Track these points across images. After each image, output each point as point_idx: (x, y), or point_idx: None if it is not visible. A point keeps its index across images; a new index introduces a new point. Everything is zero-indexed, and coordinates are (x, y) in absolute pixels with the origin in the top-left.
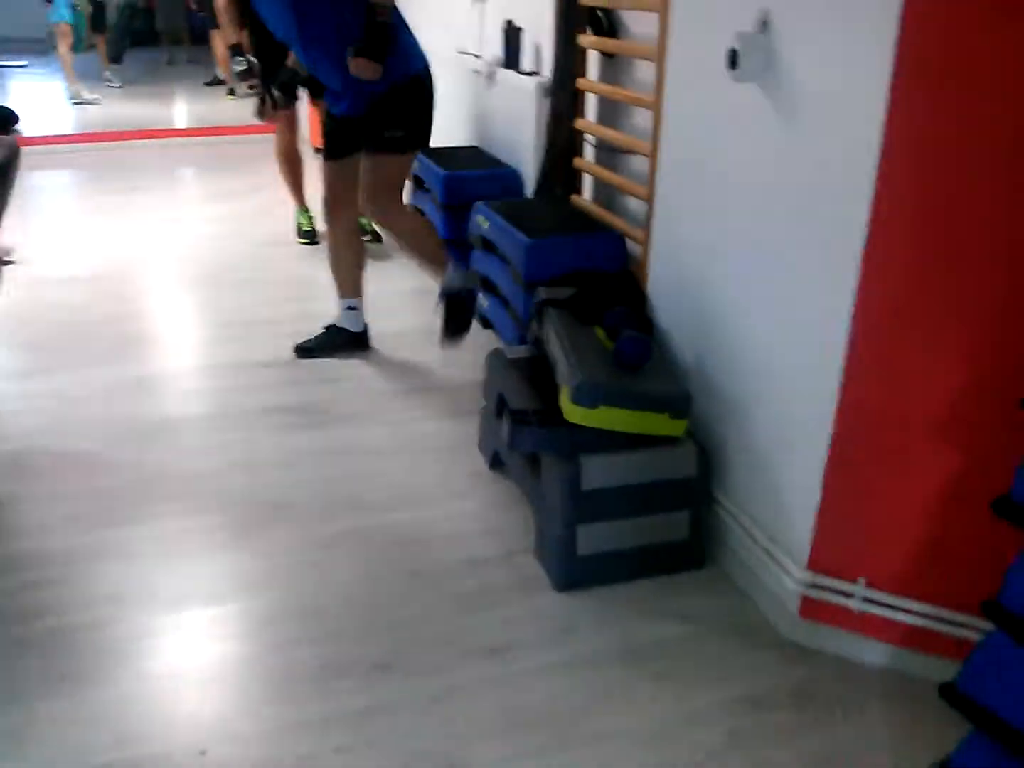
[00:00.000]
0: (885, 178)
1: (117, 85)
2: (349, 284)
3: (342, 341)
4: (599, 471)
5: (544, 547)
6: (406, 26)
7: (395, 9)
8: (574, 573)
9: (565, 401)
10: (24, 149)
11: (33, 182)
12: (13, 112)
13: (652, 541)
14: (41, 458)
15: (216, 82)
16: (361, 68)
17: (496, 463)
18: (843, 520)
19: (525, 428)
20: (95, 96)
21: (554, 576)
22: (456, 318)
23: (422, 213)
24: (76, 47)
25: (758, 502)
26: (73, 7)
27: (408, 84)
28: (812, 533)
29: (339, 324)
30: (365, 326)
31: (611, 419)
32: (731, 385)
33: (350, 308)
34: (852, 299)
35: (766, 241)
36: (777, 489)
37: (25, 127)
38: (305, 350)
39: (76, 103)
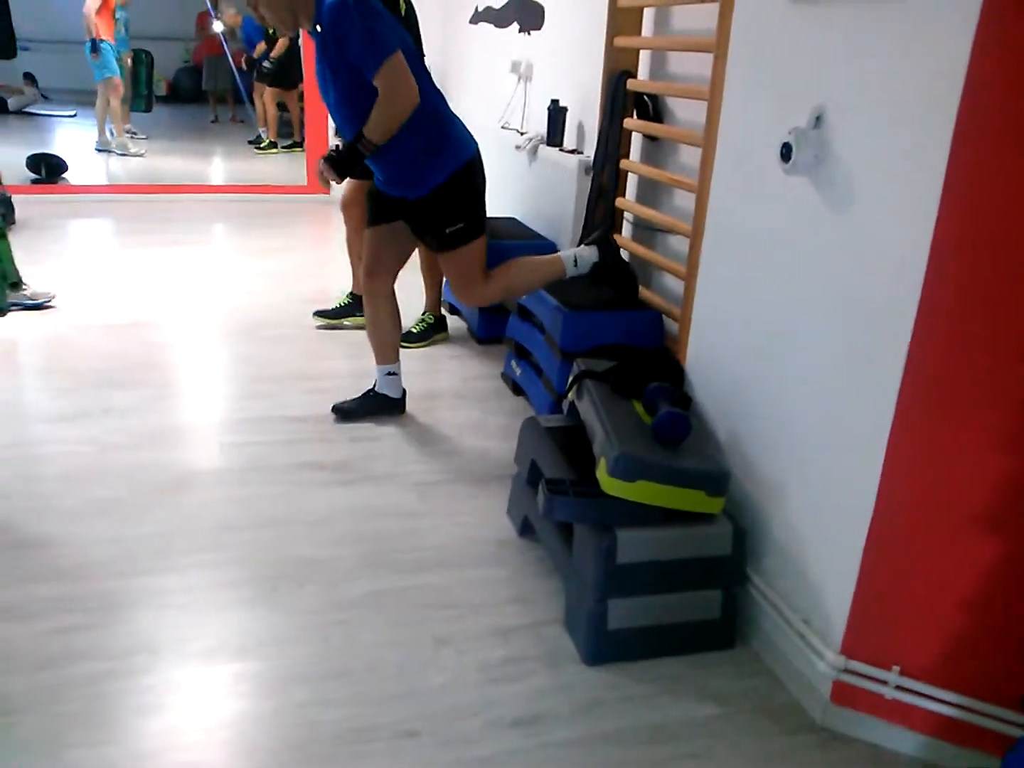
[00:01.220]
0: (934, 273)
1: (143, 137)
2: (387, 350)
3: (380, 406)
4: (634, 545)
5: (574, 619)
6: (451, 114)
7: (443, 103)
8: (604, 647)
9: (603, 473)
10: (68, 196)
11: (76, 230)
12: (63, 161)
13: (683, 619)
14: (76, 502)
15: (257, 140)
16: (323, 174)
17: (526, 530)
18: (879, 606)
19: (561, 498)
20: (141, 148)
21: (583, 649)
22: (620, 280)
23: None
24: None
25: (793, 584)
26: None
27: (464, 171)
28: (847, 617)
29: (378, 390)
30: (404, 391)
31: (648, 494)
32: (769, 465)
33: (389, 374)
34: (896, 385)
35: (809, 327)
36: (812, 571)
37: (71, 175)
38: (343, 412)
39: (122, 154)
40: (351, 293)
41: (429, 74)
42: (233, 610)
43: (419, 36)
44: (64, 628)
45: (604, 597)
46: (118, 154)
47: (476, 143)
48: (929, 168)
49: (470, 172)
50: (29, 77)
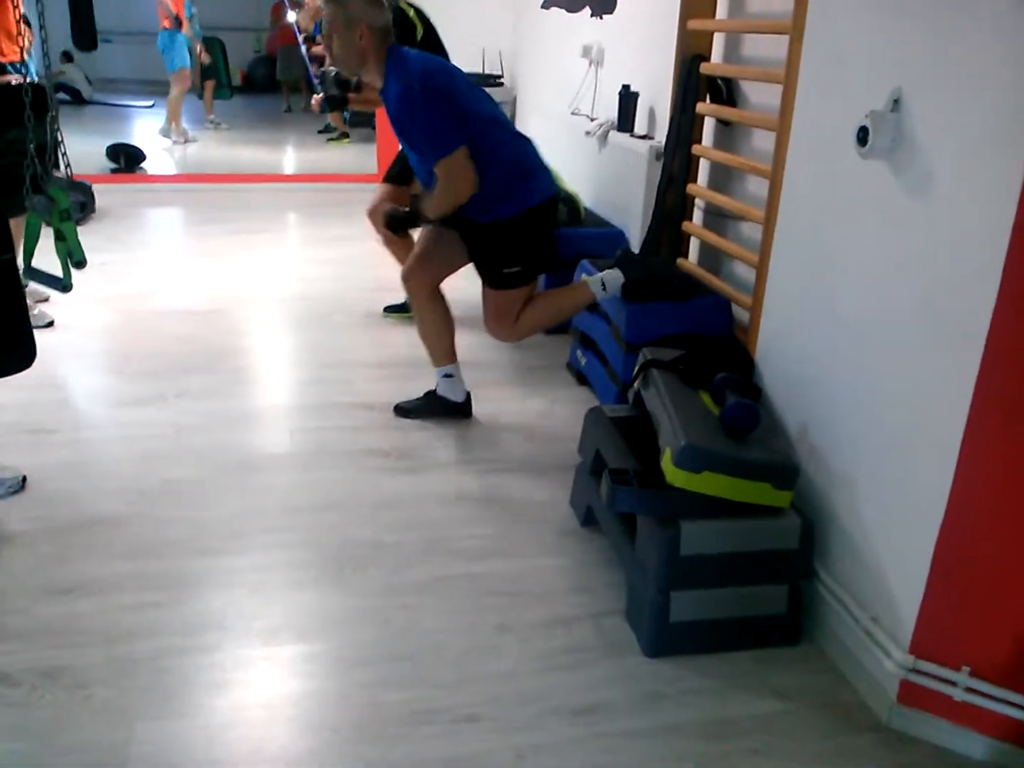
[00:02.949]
0: (1014, 262)
1: (225, 127)
2: (440, 352)
3: (441, 409)
4: (698, 537)
5: (636, 611)
6: (533, 164)
7: (525, 151)
8: (665, 639)
9: (668, 464)
10: (145, 185)
11: (153, 218)
12: (141, 151)
13: (748, 613)
14: (152, 482)
15: (328, 129)
16: (383, 225)
17: (588, 520)
18: (949, 605)
19: (625, 488)
20: (194, 138)
21: (645, 641)
22: (656, 288)
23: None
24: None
25: (861, 580)
26: (190, 51)
27: (527, 217)
28: (916, 616)
29: (439, 392)
30: (467, 395)
31: (714, 485)
32: (839, 458)
33: (446, 376)
34: (973, 380)
35: (885, 317)
36: (882, 569)
37: (148, 165)
38: (404, 411)
39: (176, 142)
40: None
41: (501, 115)
42: (299, 591)
43: (445, 54)
44: (138, 604)
45: (667, 589)
46: (174, 143)
47: (556, 188)
48: (1010, 153)
49: (542, 213)
50: (67, 55)
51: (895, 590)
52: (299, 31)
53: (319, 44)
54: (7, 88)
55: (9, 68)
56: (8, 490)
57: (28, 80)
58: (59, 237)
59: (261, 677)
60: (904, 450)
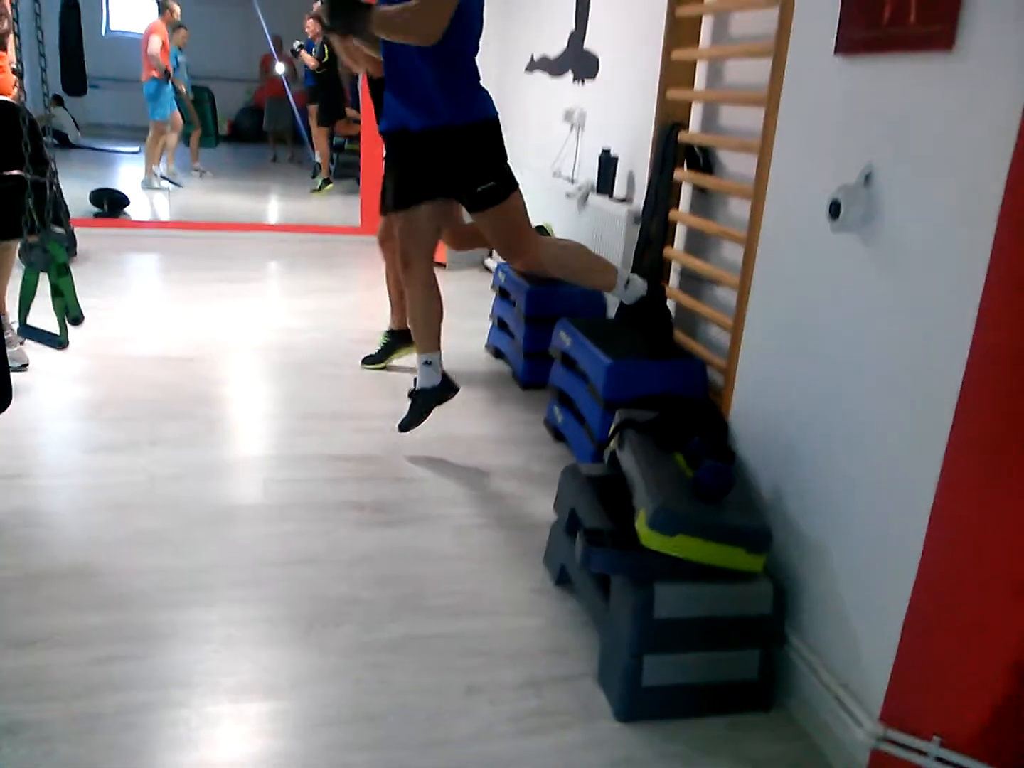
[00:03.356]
0: (982, 332)
1: (210, 174)
2: (427, 337)
3: (431, 401)
4: (672, 600)
5: (609, 673)
6: (479, 78)
7: (474, 50)
8: (638, 703)
9: (642, 525)
10: (128, 230)
11: (135, 263)
12: (125, 196)
13: (720, 678)
14: (123, 532)
15: (316, 173)
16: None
17: (562, 579)
18: (921, 672)
19: (599, 549)
20: (169, 185)
21: (617, 705)
22: (656, 323)
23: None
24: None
25: (832, 646)
26: (177, 100)
27: (486, 126)
28: (887, 683)
29: (418, 387)
30: (444, 374)
31: (688, 548)
32: (811, 524)
33: (426, 363)
34: (943, 446)
35: (855, 385)
36: (853, 635)
37: (132, 210)
38: (403, 427)
39: (146, 188)
40: (388, 331)
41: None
42: (268, 647)
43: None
44: (104, 658)
45: (640, 652)
46: (143, 189)
47: (496, 111)
48: (980, 227)
49: (499, 128)
50: (56, 99)
51: (866, 657)
52: (287, 82)
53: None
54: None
55: None
56: None
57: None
58: (56, 292)
59: (227, 735)
60: (875, 516)
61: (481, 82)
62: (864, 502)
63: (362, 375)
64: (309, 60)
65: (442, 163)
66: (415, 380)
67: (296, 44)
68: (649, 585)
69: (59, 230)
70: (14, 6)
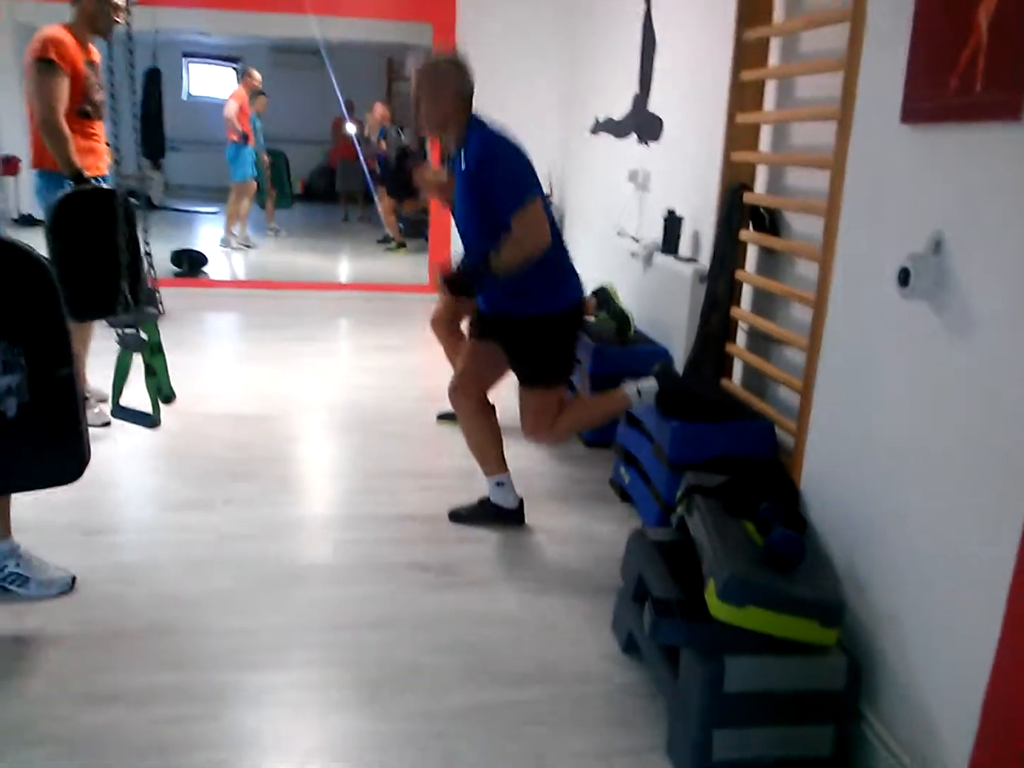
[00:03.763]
0: None
1: (284, 234)
2: (491, 461)
3: (494, 516)
4: (743, 674)
5: (677, 747)
6: (569, 264)
7: (560, 242)
8: None
9: (711, 596)
10: (206, 289)
11: (212, 322)
12: (204, 256)
13: (792, 753)
14: (195, 591)
15: (386, 239)
16: (441, 284)
17: (630, 646)
18: (1002, 751)
19: (668, 620)
20: (252, 244)
21: None
22: (687, 404)
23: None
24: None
25: (909, 724)
26: (257, 164)
27: (559, 317)
28: (968, 762)
29: (492, 500)
30: (520, 501)
31: (758, 620)
32: (886, 596)
33: (498, 484)
34: (1019, 527)
35: (932, 452)
36: (930, 713)
37: (210, 269)
38: (458, 516)
39: (224, 248)
40: None
41: (555, 221)
42: (336, 712)
43: None
44: (178, 717)
45: (709, 726)
46: (221, 248)
47: (581, 292)
48: None
49: (568, 319)
50: (154, 161)
51: (944, 735)
52: (359, 143)
53: (379, 145)
54: (80, 195)
55: (95, 180)
56: (59, 590)
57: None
58: (150, 372)
59: None
60: (952, 591)
61: (562, 265)
62: (940, 577)
63: (429, 433)
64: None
65: (515, 338)
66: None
67: (377, 133)
68: (719, 658)
69: (152, 310)
70: (109, 78)
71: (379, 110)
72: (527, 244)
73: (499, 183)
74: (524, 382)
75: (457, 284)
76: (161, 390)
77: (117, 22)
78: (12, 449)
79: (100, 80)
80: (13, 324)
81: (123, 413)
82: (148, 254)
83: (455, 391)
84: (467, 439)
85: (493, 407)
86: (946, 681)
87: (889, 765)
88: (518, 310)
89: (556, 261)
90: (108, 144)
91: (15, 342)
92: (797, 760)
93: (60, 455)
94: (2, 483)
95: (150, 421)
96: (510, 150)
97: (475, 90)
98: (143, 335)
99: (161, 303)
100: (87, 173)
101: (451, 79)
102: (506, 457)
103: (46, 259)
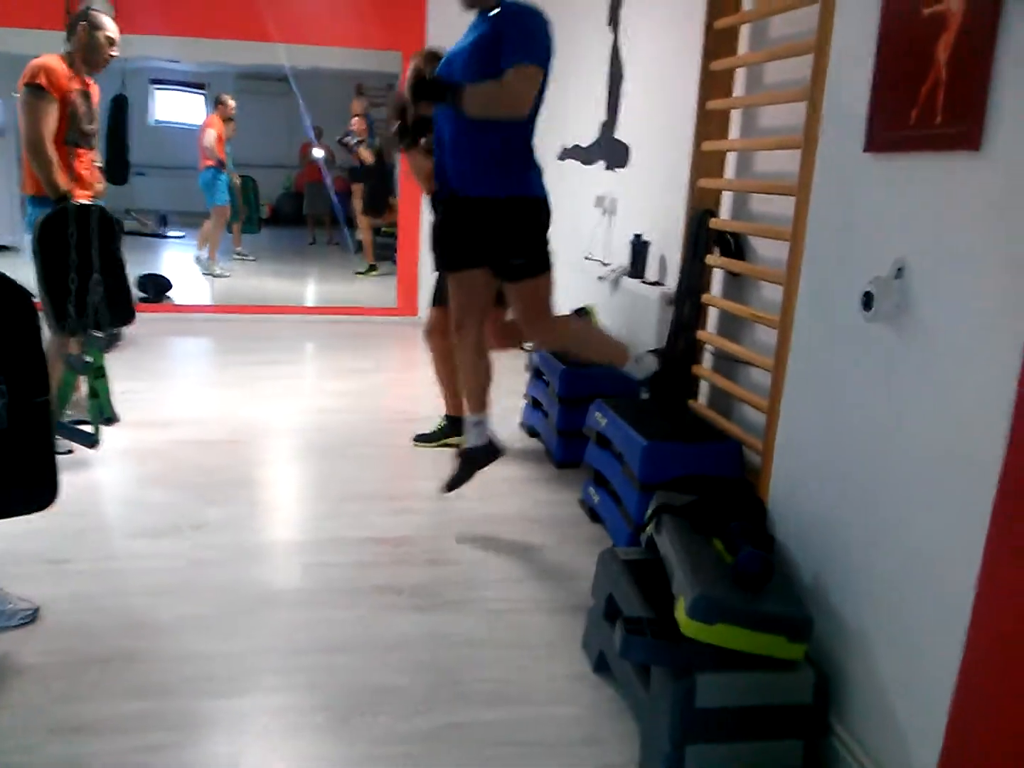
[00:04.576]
0: (1019, 424)
1: (252, 259)
2: (477, 398)
3: (477, 460)
4: (713, 690)
5: (649, 764)
6: (534, 155)
7: (531, 129)
8: None
9: (681, 613)
10: (171, 315)
11: (177, 347)
12: (169, 281)
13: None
14: (164, 618)
15: (359, 251)
16: (396, 101)
17: (601, 666)
18: (969, 763)
19: (639, 638)
20: (227, 271)
21: None
22: (671, 391)
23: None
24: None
25: (876, 736)
26: (229, 188)
27: (528, 202)
28: None
29: (468, 445)
30: (490, 435)
31: (728, 637)
32: (852, 610)
33: (476, 423)
34: (983, 535)
35: (895, 471)
36: (898, 725)
37: (175, 294)
38: (449, 486)
39: (206, 274)
40: (446, 415)
41: (534, 126)
42: (306, 737)
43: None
44: (145, 747)
45: (681, 742)
46: (204, 275)
47: (547, 192)
48: (1013, 320)
49: (544, 208)
50: (162, 220)
51: (912, 748)
52: (325, 167)
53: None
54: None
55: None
56: (21, 621)
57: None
58: (93, 394)
59: None
60: (918, 605)
61: (535, 159)
62: (906, 592)
63: (395, 455)
64: (366, 156)
65: (482, 230)
66: (459, 445)
67: (354, 140)
68: (690, 675)
69: (98, 335)
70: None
71: (356, 123)
72: (506, 98)
73: (519, 36)
74: (512, 275)
75: (427, 87)
76: (103, 411)
77: (112, 55)
78: None
79: (93, 110)
80: None
81: (65, 430)
82: (99, 280)
83: (458, 328)
84: (462, 374)
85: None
86: (913, 693)
87: None
88: (504, 190)
89: (531, 150)
90: (102, 169)
91: None
92: None
93: (35, 482)
94: None
95: (91, 440)
96: (543, 22)
97: None
98: (87, 358)
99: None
100: (73, 198)
101: None
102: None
103: (26, 289)
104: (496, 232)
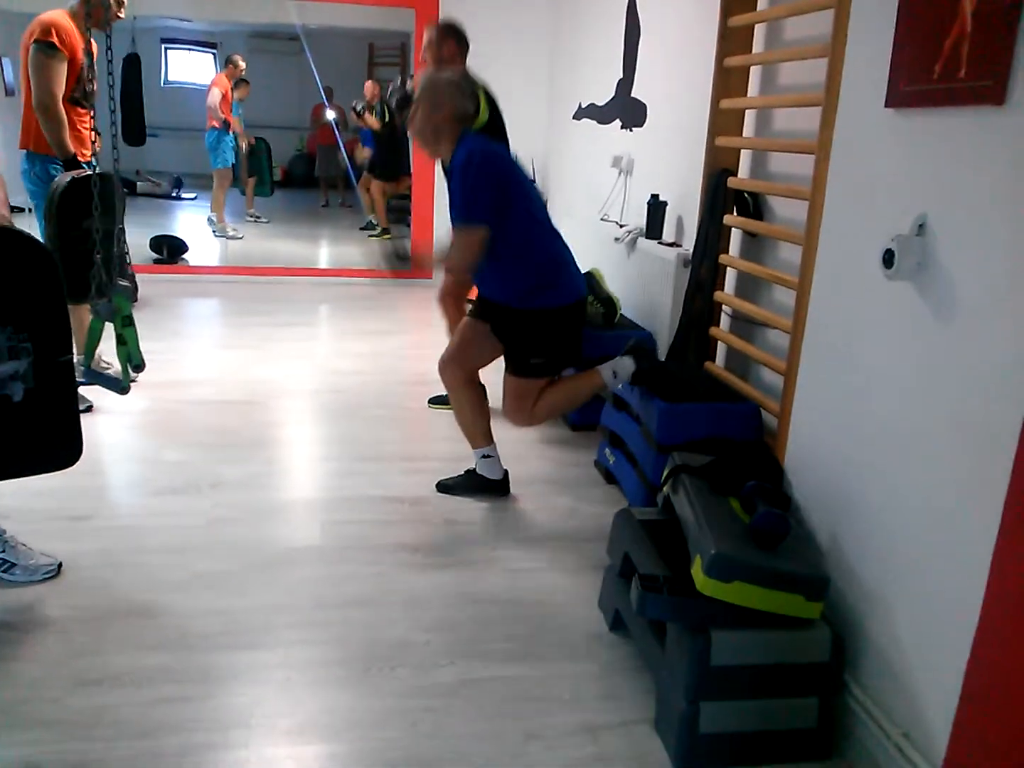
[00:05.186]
0: None
1: (265, 221)
2: (475, 436)
3: (480, 486)
4: (729, 647)
5: (665, 720)
6: (567, 258)
7: (555, 236)
8: (695, 751)
9: (698, 572)
10: (186, 276)
11: (192, 308)
12: (184, 242)
13: (778, 725)
14: (183, 574)
15: (370, 226)
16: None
17: (617, 624)
18: (984, 722)
19: (655, 595)
20: (238, 232)
21: (673, 752)
22: (660, 381)
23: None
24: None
25: (892, 694)
26: (235, 150)
27: (559, 312)
28: (949, 733)
29: (478, 471)
30: (505, 473)
31: (744, 595)
32: (869, 570)
33: (484, 456)
34: (1003, 494)
35: (913, 431)
36: (914, 683)
37: (190, 256)
38: (445, 487)
39: (219, 236)
40: None
41: (546, 217)
42: (326, 689)
43: (506, 140)
44: (167, 698)
45: (696, 699)
46: (216, 236)
47: (583, 290)
48: None
49: (574, 312)
50: (177, 182)
51: (927, 705)
52: (338, 129)
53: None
54: (84, 180)
55: (84, 165)
56: (44, 576)
57: (96, 172)
58: (121, 341)
59: None
60: (935, 562)
61: (554, 267)
62: (923, 550)
63: (411, 416)
64: (372, 122)
65: (511, 328)
66: (475, 464)
67: (359, 106)
68: (705, 632)
69: (124, 283)
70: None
71: (369, 87)
72: (454, 258)
73: (460, 193)
74: (512, 371)
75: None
76: (131, 359)
77: (118, 16)
78: (17, 434)
79: (95, 69)
80: (18, 310)
81: (93, 377)
82: (122, 230)
83: (446, 365)
84: (456, 413)
85: (483, 386)
86: (929, 651)
87: (873, 734)
88: (518, 303)
89: (552, 256)
90: (97, 132)
91: (20, 328)
92: (783, 732)
93: (60, 440)
94: (7, 468)
95: (119, 386)
96: (480, 170)
97: (469, 111)
98: (114, 305)
99: (134, 277)
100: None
101: (452, 99)
102: (494, 439)
103: (48, 248)
104: (522, 335)
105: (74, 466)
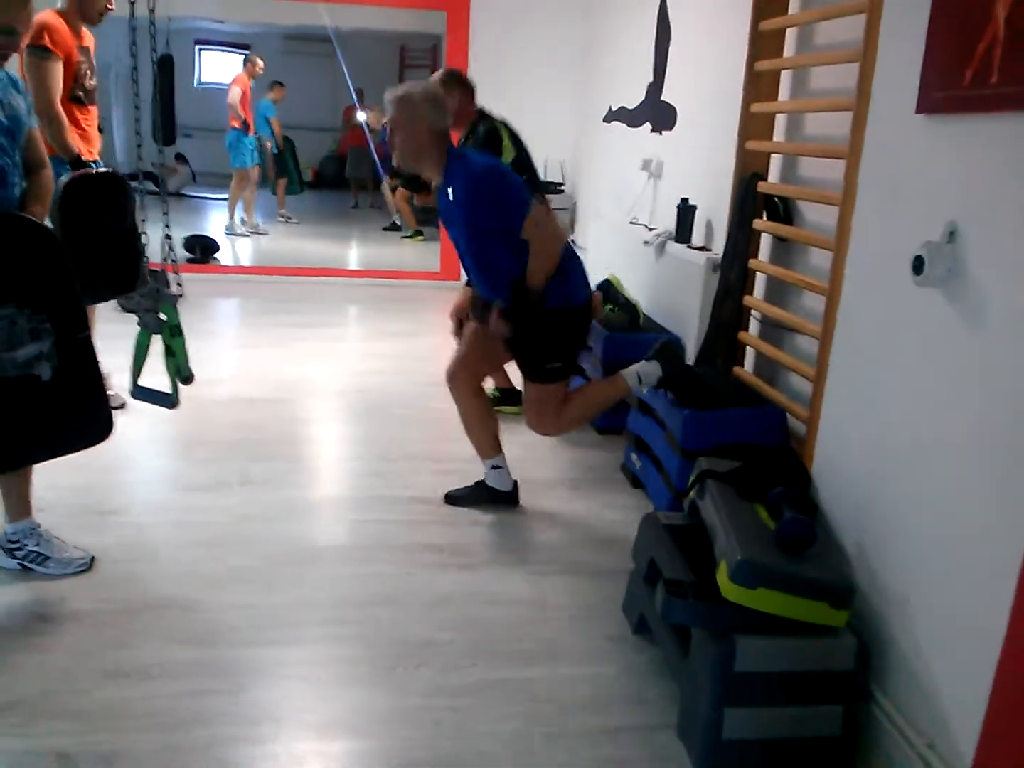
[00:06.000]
0: None
1: (295, 221)
2: (485, 445)
3: (489, 497)
4: (753, 654)
5: (688, 726)
6: (576, 259)
7: (567, 246)
8: (718, 757)
9: (723, 577)
10: (218, 275)
11: (224, 308)
12: (215, 242)
13: (802, 733)
14: (214, 569)
15: (393, 227)
16: (497, 325)
17: (641, 628)
18: (1011, 734)
19: (680, 600)
20: (260, 230)
21: (696, 758)
22: (688, 387)
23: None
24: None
25: (918, 704)
26: (260, 151)
27: (567, 313)
28: (976, 745)
29: (488, 482)
30: (514, 484)
31: (769, 602)
32: (895, 579)
33: (493, 467)
34: None
35: (942, 440)
36: (939, 694)
37: (221, 255)
38: (453, 498)
39: (241, 234)
40: (496, 388)
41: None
42: (351, 686)
43: (534, 171)
44: (195, 692)
45: (720, 705)
46: (240, 234)
47: (589, 292)
48: None
49: (583, 314)
50: (181, 158)
51: (953, 716)
52: (369, 131)
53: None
54: (85, 180)
55: (91, 164)
56: (77, 569)
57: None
58: (169, 353)
59: None
60: (961, 572)
61: (571, 262)
62: (950, 560)
63: (437, 418)
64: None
65: (525, 334)
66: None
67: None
68: (730, 638)
69: (171, 293)
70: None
71: (372, 117)
72: (548, 246)
73: (491, 215)
74: (526, 375)
75: (512, 317)
76: (180, 371)
77: (108, 8)
78: (51, 412)
79: (93, 65)
80: (33, 293)
81: (143, 394)
82: (168, 237)
83: (452, 376)
84: (464, 423)
85: (488, 395)
86: (955, 661)
87: (898, 744)
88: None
89: (564, 255)
90: (100, 130)
91: (37, 310)
92: (807, 739)
93: (91, 414)
94: (47, 447)
95: (170, 401)
96: (492, 176)
97: (448, 126)
98: (162, 316)
99: (181, 285)
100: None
101: (424, 113)
102: (517, 443)
103: (51, 230)
104: (534, 341)
105: (105, 462)
